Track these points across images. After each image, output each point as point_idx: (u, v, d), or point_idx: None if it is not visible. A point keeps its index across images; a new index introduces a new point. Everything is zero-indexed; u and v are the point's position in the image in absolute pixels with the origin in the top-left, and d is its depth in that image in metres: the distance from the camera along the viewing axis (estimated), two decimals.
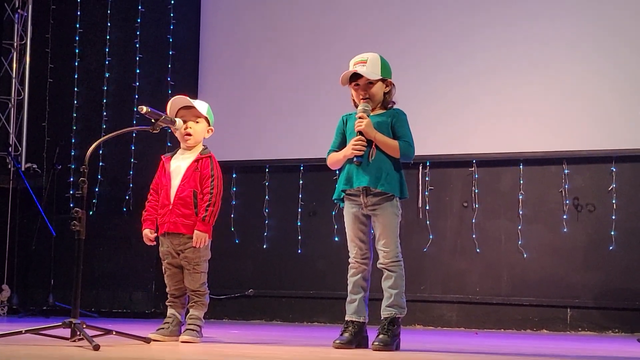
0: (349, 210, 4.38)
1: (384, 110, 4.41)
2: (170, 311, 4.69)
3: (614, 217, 6.94)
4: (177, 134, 4.74)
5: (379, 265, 4.30)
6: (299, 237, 7.80)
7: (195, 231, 4.56)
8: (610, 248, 6.93)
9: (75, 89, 8.58)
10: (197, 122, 4.73)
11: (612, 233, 6.92)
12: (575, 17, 7.20)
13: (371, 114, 4.33)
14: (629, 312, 6.84)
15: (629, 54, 7.03)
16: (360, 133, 4.26)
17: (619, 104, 7.02)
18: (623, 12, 7.10)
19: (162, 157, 4.81)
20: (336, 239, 7.42)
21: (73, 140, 8.46)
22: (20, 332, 4.03)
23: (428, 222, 7.41)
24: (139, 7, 8.50)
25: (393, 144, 4.29)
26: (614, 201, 6.96)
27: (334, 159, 4.44)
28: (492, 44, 7.40)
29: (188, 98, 4.73)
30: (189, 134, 4.70)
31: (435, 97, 7.48)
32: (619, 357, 4.29)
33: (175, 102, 4.72)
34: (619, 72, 7.04)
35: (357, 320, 4.31)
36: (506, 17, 7.42)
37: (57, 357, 3.38)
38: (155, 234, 4.68)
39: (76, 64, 8.61)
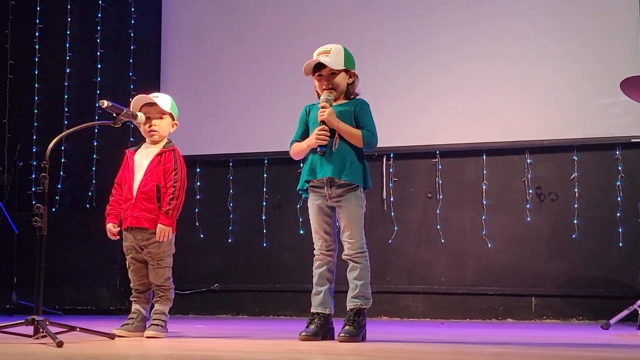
0: (313, 202, 4.38)
1: (347, 100, 4.41)
2: (134, 307, 4.65)
3: (576, 206, 7.01)
4: (141, 130, 4.71)
5: (344, 257, 4.30)
6: (264, 231, 7.79)
7: (159, 225, 4.52)
8: (573, 236, 7.00)
9: (36, 85, 8.50)
10: (162, 118, 4.70)
11: (575, 221, 6.99)
12: (536, 11, 7.26)
13: (334, 104, 4.33)
14: (592, 299, 6.91)
15: (588, 46, 7.09)
16: (324, 122, 4.26)
17: (579, 94, 7.09)
18: (582, 8, 7.16)
19: (126, 151, 4.78)
20: (301, 231, 7.41)
21: (34, 137, 8.38)
22: None
23: (393, 214, 7.43)
24: (100, 2, 8.45)
25: (356, 133, 4.29)
26: (576, 190, 7.03)
27: (298, 149, 4.43)
28: (455, 38, 7.43)
29: (149, 95, 4.69)
30: (154, 131, 4.67)
31: (398, 88, 7.50)
32: (583, 343, 4.32)
33: (138, 100, 4.68)
34: (578, 63, 7.11)
35: (322, 312, 4.30)
36: (468, 12, 7.46)
37: (20, 354, 3.34)
38: (119, 229, 4.64)
39: (36, 59, 8.53)
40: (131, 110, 4.61)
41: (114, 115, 4.38)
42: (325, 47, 4.37)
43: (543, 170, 7.20)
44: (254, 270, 7.83)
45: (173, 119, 4.75)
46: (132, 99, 4.72)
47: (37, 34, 8.55)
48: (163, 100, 4.72)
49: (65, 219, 7.89)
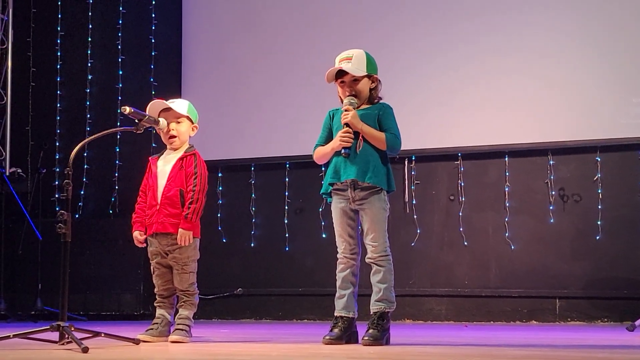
0: (336, 205, 4.37)
1: (371, 105, 4.40)
2: (159, 312, 4.66)
3: (600, 207, 6.96)
4: (162, 137, 4.72)
5: (367, 260, 4.29)
6: (286, 235, 7.79)
7: (179, 229, 4.53)
8: (597, 238, 6.95)
9: (58, 92, 8.57)
10: (179, 122, 4.70)
11: (599, 222, 6.94)
12: (560, 7, 7.21)
13: (357, 109, 4.32)
14: (617, 301, 6.86)
15: (612, 44, 7.03)
16: (347, 125, 4.26)
17: (602, 94, 7.04)
18: (607, 2, 7.11)
19: (149, 158, 4.79)
20: (324, 235, 7.41)
21: (57, 144, 8.45)
22: (8, 337, 3.99)
23: (415, 217, 7.42)
24: (120, 9, 8.49)
25: (379, 135, 4.28)
26: (599, 191, 6.98)
27: (321, 153, 4.43)
28: (477, 36, 7.40)
29: (164, 101, 4.69)
30: (173, 136, 4.68)
31: (419, 90, 7.48)
32: (608, 345, 4.30)
33: (154, 106, 4.66)
34: (602, 62, 7.06)
35: (346, 315, 4.30)
36: (490, 8, 7.42)
37: None
38: (145, 236, 4.65)
39: (58, 66, 8.59)
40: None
41: (136, 121, 4.39)
42: (347, 52, 4.35)
43: (566, 172, 7.16)
44: (276, 274, 7.83)
45: (192, 122, 4.76)
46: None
47: (58, 41, 8.62)
48: (179, 104, 4.71)
49: (89, 225, 7.95)
